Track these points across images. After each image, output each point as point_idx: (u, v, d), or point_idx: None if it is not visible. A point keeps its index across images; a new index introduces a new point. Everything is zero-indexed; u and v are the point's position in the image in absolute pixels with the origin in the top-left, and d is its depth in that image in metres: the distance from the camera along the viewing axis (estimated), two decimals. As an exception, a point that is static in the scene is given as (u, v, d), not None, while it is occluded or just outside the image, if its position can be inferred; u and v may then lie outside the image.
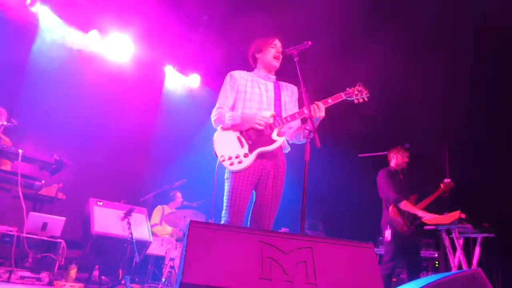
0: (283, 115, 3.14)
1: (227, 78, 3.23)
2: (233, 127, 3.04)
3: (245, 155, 2.96)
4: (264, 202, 2.99)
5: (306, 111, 2.90)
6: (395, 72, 6.04)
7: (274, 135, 3.00)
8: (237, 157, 2.95)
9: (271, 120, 3.03)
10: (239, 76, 3.22)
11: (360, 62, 5.78)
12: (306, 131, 2.82)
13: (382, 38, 5.66)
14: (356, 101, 3.13)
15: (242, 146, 2.99)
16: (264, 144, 2.99)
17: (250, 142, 2.99)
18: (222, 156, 2.97)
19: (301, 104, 3.03)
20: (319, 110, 2.98)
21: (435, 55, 5.89)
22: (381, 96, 6.29)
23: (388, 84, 6.26)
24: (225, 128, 3.07)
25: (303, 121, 2.96)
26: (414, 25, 5.67)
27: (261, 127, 2.97)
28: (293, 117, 3.02)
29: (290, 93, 3.30)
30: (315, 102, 3.01)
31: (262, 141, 2.99)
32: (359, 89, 3.12)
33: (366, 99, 3.13)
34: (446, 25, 5.56)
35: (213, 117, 3.15)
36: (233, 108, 3.17)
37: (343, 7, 5.37)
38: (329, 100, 3.05)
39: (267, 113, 3.04)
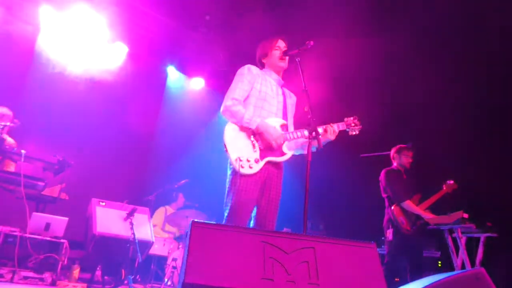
0: (288, 123, 3.22)
1: (245, 70, 3.14)
2: (247, 128, 3.01)
3: (256, 161, 2.96)
4: (268, 205, 3.02)
5: (306, 132, 2.99)
6: (398, 71, 6.03)
7: (284, 148, 3.08)
8: (248, 161, 2.94)
9: (281, 131, 3.07)
10: (256, 72, 3.20)
11: (361, 61, 5.78)
12: (308, 131, 2.86)
13: (385, 38, 5.65)
14: (350, 133, 3.28)
15: (255, 150, 2.99)
16: (275, 155, 3.04)
17: (262, 149, 3.01)
18: (233, 154, 2.93)
19: (302, 104, 3.02)
20: (332, 134, 3.11)
21: (437, 54, 5.88)
22: (383, 95, 6.31)
23: (391, 83, 6.25)
24: (239, 126, 3.02)
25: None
26: (416, 24, 5.65)
27: (273, 145, 2.99)
28: (302, 134, 3.06)
29: (292, 102, 3.37)
30: (331, 124, 3.15)
31: (273, 150, 3.03)
32: (355, 122, 3.27)
33: (357, 133, 3.27)
34: (449, 24, 5.54)
35: (227, 107, 3.01)
36: (245, 100, 3.13)
37: (345, 5, 5.36)
38: (335, 126, 3.19)
39: (278, 121, 3.09)
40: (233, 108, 3.00)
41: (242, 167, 2.90)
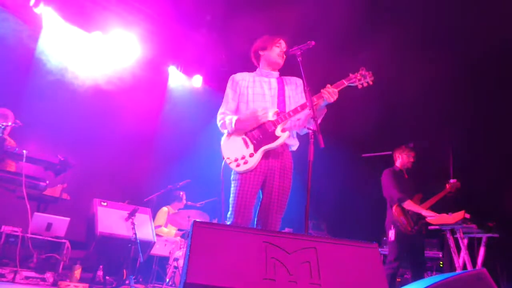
0: (292, 106, 3.12)
1: (229, 82, 3.25)
2: (237, 131, 3.05)
3: (251, 155, 2.96)
4: (271, 199, 2.98)
5: (299, 107, 2.95)
6: (398, 70, 6.02)
7: (277, 131, 3.00)
8: (242, 157, 2.95)
9: (274, 117, 3.02)
10: (240, 78, 3.23)
11: (360, 61, 5.75)
12: (310, 131, 2.82)
13: (383, 36, 5.64)
14: (360, 86, 3.01)
15: (247, 146, 3.00)
16: (268, 142, 2.99)
17: (255, 142, 3.00)
18: (228, 158, 2.98)
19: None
20: (332, 95, 2.91)
21: (438, 53, 5.87)
22: (384, 94, 6.30)
23: (391, 82, 6.23)
24: (230, 133, 3.09)
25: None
26: (414, 22, 5.65)
27: (262, 115, 2.97)
28: (295, 111, 2.99)
29: (294, 87, 3.27)
30: (327, 86, 2.94)
31: (266, 138, 2.99)
32: (362, 73, 3.02)
33: (370, 83, 3.01)
34: (447, 22, 5.54)
35: (218, 123, 3.18)
36: (237, 110, 3.18)
37: (341, 5, 5.36)
38: (331, 90, 2.94)
39: (270, 111, 3.04)
40: (221, 121, 3.14)
41: (238, 165, 2.94)
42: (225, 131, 3.13)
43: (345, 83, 3.00)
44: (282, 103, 3.15)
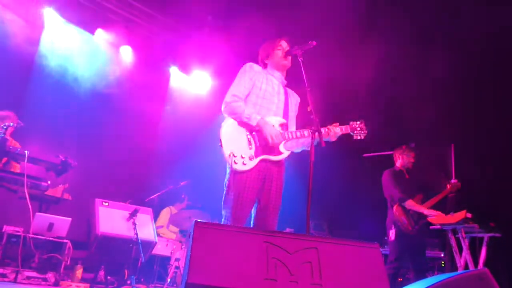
0: (289, 122, 3.18)
1: (247, 67, 3.17)
2: (246, 124, 3.01)
3: (250, 158, 2.94)
4: (268, 204, 2.98)
5: (306, 132, 2.98)
6: (399, 70, 6.01)
7: (281, 147, 3.03)
8: (242, 157, 2.93)
9: (280, 129, 3.04)
10: (258, 69, 3.21)
11: (362, 60, 5.76)
12: (311, 131, 2.84)
13: (384, 36, 5.64)
14: (355, 138, 3.18)
15: (250, 147, 2.98)
16: (271, 153, 3.00)
17: (257, 146, 2.98)
18: (231, 152, 2.92)
19: (305, 104, 3.02)
20: (332, 136, 3.04)
21: (439, 52, 5.86)
22: (385, 94, 6.30)
23: (392, 82, 6.23)
24: (238, 122, 3.02)
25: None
26: (416, 22, 5.64)
27: (269, 141, 2.95)
28: (302, 134, 3.03)
29: (295, 102, 3.34)
30: (334, 124, 3.08)
31: (270, 148, 3.00)
32: (361, 126, 3.18)
33: (363, 138, 3.18)
34: (449, 21, 5.52)
35: (228, 103, 3.04)
36: (246, 98, 3.13)
37: (344, 4, 5.35)
38: (337, 129, 3.08)
39: (277, 120, 3.07)
40: (233, 104, 3.03)
41: (236, 163, 2.89)
42: (229, 119, 3.03)
43: (349, 129, 3.15)
44: (286, 114, 3.19)
